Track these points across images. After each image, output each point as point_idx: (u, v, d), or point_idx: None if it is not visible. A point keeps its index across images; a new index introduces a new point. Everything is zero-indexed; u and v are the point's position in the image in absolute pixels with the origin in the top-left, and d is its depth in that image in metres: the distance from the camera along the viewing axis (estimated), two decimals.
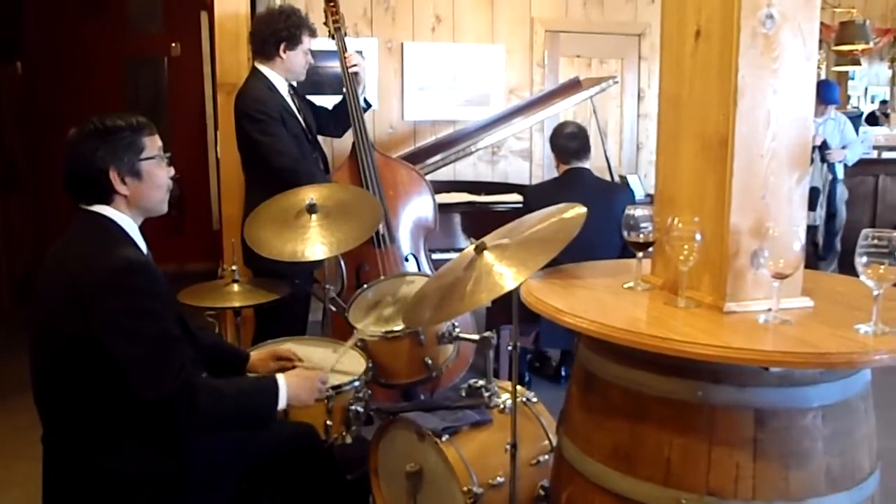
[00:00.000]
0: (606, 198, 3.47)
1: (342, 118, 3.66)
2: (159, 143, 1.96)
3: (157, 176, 1.94)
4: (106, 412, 1.81)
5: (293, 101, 3.44)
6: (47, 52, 6.66)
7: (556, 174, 3.82)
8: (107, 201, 1.88)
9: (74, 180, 1.88)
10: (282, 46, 3.34)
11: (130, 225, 1.91)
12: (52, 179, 6.06)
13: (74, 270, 1.78)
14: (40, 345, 1.86)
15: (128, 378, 1.76)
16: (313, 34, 3.45)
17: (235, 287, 2.94)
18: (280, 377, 2.01)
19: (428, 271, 3.59)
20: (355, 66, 3.58)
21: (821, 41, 6.42)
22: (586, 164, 3.70)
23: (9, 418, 3.75)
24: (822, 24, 6.56)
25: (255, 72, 3.40)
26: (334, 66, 3.93)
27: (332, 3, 3.64)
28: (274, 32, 3.35)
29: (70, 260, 1.82)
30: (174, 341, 1.82)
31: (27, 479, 2.11)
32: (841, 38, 6.26)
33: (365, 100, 3.66)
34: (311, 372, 2.17)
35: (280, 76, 3.39)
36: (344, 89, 3.58)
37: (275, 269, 2.92)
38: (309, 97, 3.68)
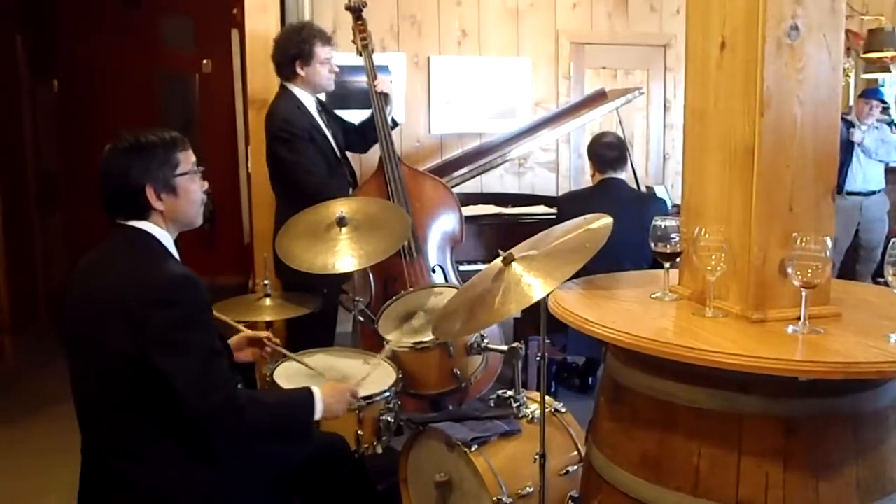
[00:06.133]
0: (638, 208, 3.47)
1: (368, 135, 3.67)
2: (193, 157, 1.98)
3: (192, 191, 1.96)
4: (147, 425, 1.83)
5: (322, 117, 3.47)
6: (82, 71, 6.82)
7: (582, 185, 3.83)
8: (144, 217, 1.90)
9: (112, 197, 1.90)
10: (297, 64, 3.37)
11: (168, 239, 1.93)
12: (88, 195, 6.20)
13: (122, 287, 1.79)
14: (83, 359, 1.88)
15: (176, 392, 1.76)
16: (327, 42, 3.43)
17: (268, 301, 2.96)
18: (315, 389, 2.04)
19: (455, 282, 3.61)
20: (383, 90, 3.59)
21: (849, 49, 6.36)
22: (621, 175, 3.72)
23: (49, 427, 3.82)
24: (850, 31, 6.47)
25: (283, 90, 3.44)
26: (361, 80, 3.96)
27: (360, 22, 3.64)
28: (286, 52, 3.38)
29: (115, 276, 1.83)
30: (219, 354, 1.86)
31: (65, 486, 2.15)
32: (869, 45, 6.19)
33: (393, 119, 3.66)
34: (343, 385, 2.21)
35: (307, 92, 3.43)
36: (372, 109, 3.59)
37: (304, 282, 2.96)
38: (337, 111, 3.72)
